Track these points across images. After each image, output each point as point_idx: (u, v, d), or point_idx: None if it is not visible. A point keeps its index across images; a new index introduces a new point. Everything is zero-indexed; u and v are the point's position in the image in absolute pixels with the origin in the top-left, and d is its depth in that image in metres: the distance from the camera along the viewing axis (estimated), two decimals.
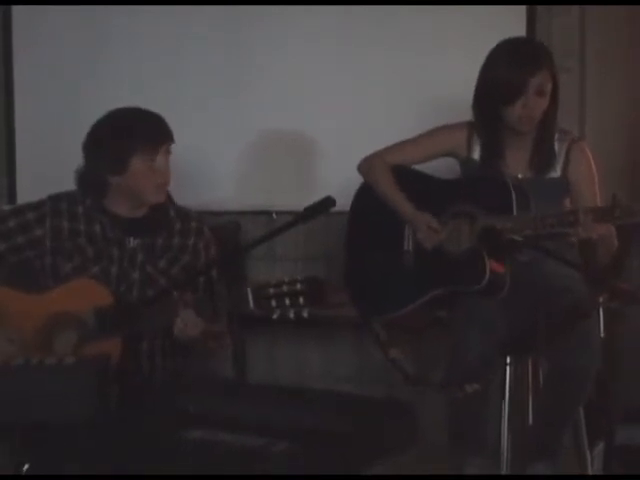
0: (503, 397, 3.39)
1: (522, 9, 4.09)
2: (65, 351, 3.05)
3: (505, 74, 3.35)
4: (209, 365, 3.35)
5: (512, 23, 4.02)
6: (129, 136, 3.18)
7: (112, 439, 2.58)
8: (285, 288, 2.87)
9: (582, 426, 3.46)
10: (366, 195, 3.61)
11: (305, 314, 2.86)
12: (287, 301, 2.86)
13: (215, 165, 4.26)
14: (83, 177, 3.27)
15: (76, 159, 3.28)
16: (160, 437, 2.58)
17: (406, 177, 3.54)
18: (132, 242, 3.26)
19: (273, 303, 2.87)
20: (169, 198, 3.34)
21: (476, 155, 3.51)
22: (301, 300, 2.86)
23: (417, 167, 3.59)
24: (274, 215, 4.22)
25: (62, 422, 2.64)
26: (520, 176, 3.46)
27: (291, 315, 2.87)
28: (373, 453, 2.54)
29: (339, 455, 2.46)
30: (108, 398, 2.75)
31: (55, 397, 2.69)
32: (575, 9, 4.09)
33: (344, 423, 2.56)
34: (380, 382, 4.09)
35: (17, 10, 4.35)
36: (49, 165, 4.24)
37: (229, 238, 3.76)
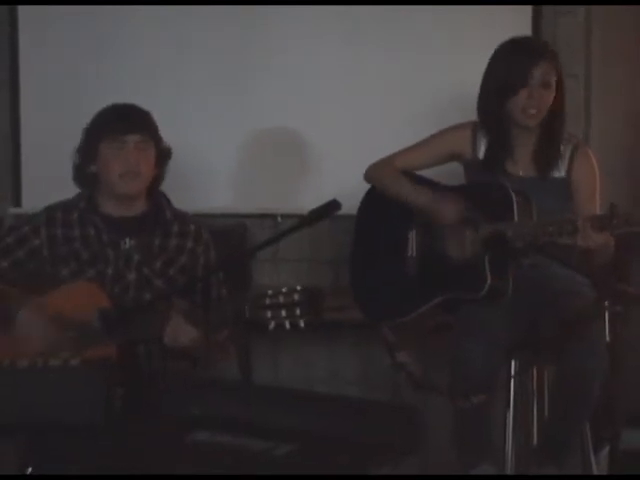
0: (508, 404, 3.38)
1: (528, 9, 4.07)
2: (66, 353, 3.04)
3: (509, 65, 3.35)
4: (214, 368, 3.34)
5: (517, 23, 4.00)
6: (98, 124, 3.27)
7: (116, 441, 2.58)
8: (281, 299, 2.85)
9: (587, 430, 3.45)
10: (372, 201, 3.60)
11: (302, 324, 2.85)
12: (283, 312, 2.85)
13: (220, 168, 4.25)
14: (75, 171, 3.32)
15: None
16: (164, 439, 2.58)
17: None
18: (127, 243, 3.26)
19: (269, 314, 2.86)
20: (165, 199, 3.35)
21: (481, 154, 3.50)
22: (297, 311, 2.84)
23: (421, 172, 3.58)
24: (279, 218, 4.22)
25: (67, 423, 2.65)
26: (521, 173, 3.45)
27: (287, 326, 2.85)
28: (377, 457, 2.54)
29: (342, 458, 2.46)
30: (113, 400, 2.75)
31: (60, 399, 2.69)
32: (581, 9, 4.08)
33: (348, 427, 2.56)
34: (385, 385, 4.09)
35: (23, 11, 4.35)
36: (54, 168, 4.23)
37: (236, 240, 3.76)
